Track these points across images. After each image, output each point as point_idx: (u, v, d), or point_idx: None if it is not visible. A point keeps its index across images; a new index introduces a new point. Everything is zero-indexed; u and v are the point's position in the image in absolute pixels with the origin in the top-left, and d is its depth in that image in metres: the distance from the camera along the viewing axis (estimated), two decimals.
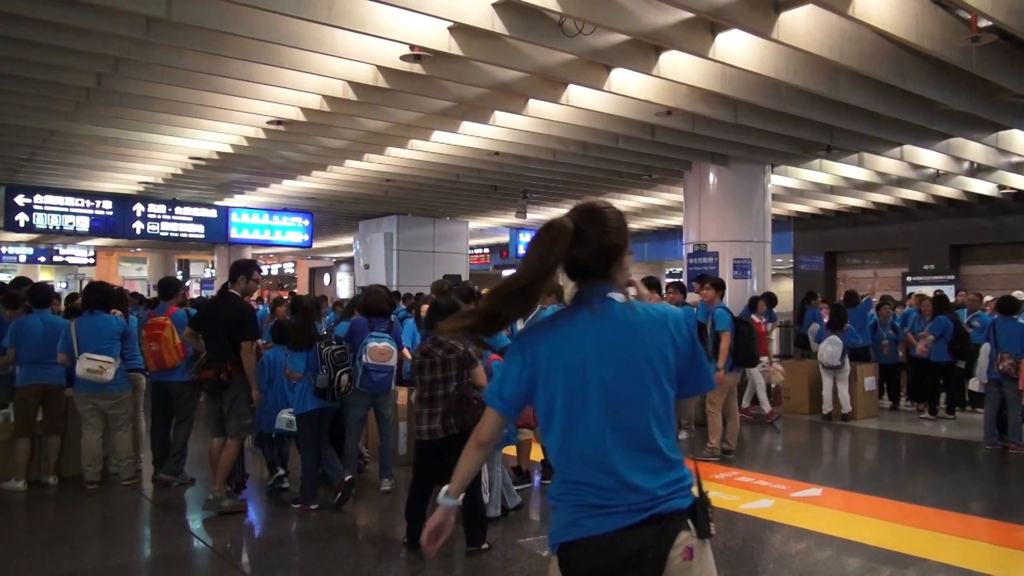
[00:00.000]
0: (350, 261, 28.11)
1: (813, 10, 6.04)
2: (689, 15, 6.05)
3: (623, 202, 16.68)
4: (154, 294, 8.51)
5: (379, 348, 5.79)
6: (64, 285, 32.11)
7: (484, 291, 10.02)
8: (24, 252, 26.89)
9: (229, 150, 11.03)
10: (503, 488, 5.45)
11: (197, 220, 14.60)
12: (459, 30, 6.26)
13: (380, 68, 7.25)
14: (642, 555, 1.82)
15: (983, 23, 6.09)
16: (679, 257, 13.02)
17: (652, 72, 6.99)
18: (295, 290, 29.72)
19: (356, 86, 7.81)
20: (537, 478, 6.46)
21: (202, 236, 14.92)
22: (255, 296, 7.64)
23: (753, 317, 9.32)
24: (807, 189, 14.59)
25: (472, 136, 10.00)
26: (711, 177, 11.77)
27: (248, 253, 21.35)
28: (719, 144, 10.36)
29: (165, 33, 6.31)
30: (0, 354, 6.63)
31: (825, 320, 10.13)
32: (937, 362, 9.89)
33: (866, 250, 18.90)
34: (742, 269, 11.58)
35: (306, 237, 16.43)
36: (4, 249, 26.76)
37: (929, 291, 12.56)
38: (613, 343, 1.91)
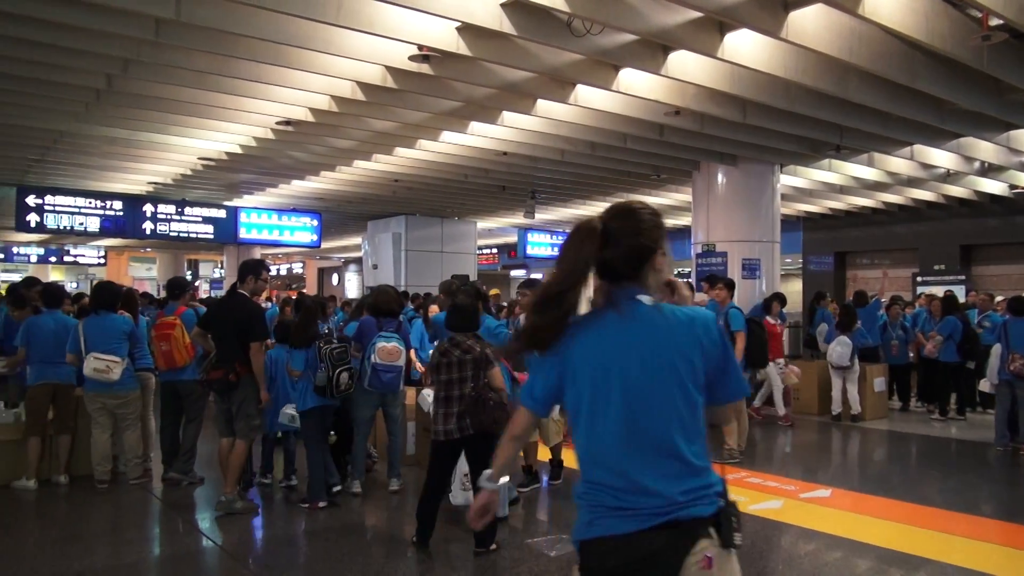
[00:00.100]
0: (358, 261, 28.15)
1: (822, 9, 6.02)
2: (698, 15, 6.03)
3: None
4: (163, 294, 8.55)
5: (388, 348, 5.81)
6: (74, 285, 32.29)
7: (492, 291, 10.02)
8: (35, 252, 27.07)
9: (238, 150, 11.07)
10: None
11: (206, 220, 14.65)
12: (467, 30, 6.27)
13: (388, 68, 7.26)
14: (655, 559, 1.82)
15: (994, 21, 6.04)
16: (688, 257, 12.97)
17: (660, 72, 6.97)
18: (304, 290, 29.79)
19: (364, 86, 7.82)
20: (545, 478, 6.45)
21: (211, 236, 14.98)
22: (264, 296, 7.65)
23: (768, 319, 9.26)
24: (816, 189, 14.53)
25: (480, 136, 10.00)
26: (720, 177, 11.74)
27: (257, 253, 21.44)
28: (728, 144, 10.32)
29: (174, 34, 6.34)
30: (12, 353, 6.68)
31: (835, 320, 10.09)
32: (946, 363, 9.84)
33: (876, 250, 18.80)
34: (751, 269, 11.54)
35: (315, 237, 16.46)
36: (15, 249, 26.94)
37: (940, 291, 12.48)
38: (637, 346, 1.89)
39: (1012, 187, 13.83)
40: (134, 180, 14.12)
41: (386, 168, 12.34)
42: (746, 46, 6.58)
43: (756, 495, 6.11)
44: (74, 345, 6.14)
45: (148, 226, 13.84)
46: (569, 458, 6.89)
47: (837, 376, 9.65)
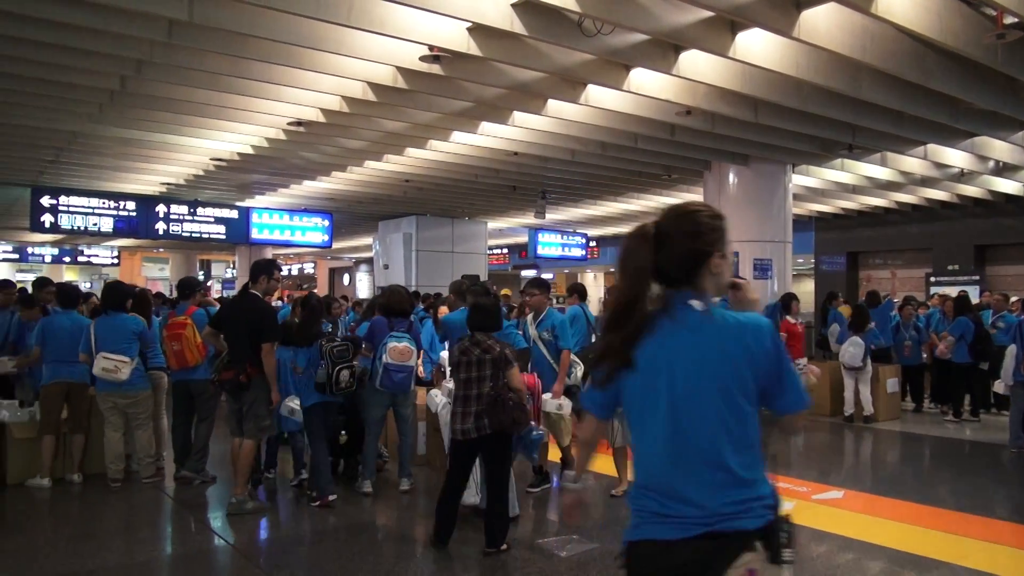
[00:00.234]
0: (369, 261, 28.24)
1: (835, 8, 5.99)
2: (709, 14, 6.01)
3: (642, 202, 16.65)
4: (176, 294, 8.60)
5: (399, 348, 5.82)
6: (88, 285, 32.52)
7: (503, 291, 10.04)
8: (49, 252, 27.27)
9: (250, 151, 11.12)
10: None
11: (218, 221, 14.71)
12: (478, 30, 6.27)
13: (399, 69, 7.27)
14: (695, 569, 1.80)
15: (1009, 20, 6.00)
16: None
17: (672, 72, 6.96)
18: (314, 290, 29.90)
19: (375, 87, 7.84)
20: (556, 478, 6.45)
21: (223, 236, 15.03)
22: (275, 296, 7.69)
23: (788, 318, 9.18)
24: (829, 189, 14.46)
25: (491, 136, 10.00)
26: (731, 177, 11.70)
27: (269, 253, 21.53)
28: (739, 144, 10.29)
29: (187, 35, 6.38)
30: (25, 353, 6.74)
31: (847, 321, 10.03)
32: (959, 363, 9.77)
33: (889, 250, 18.69)
34: (763, 270, 11.50)
35: (326, 237, 16.50)
36: (30, 250, 27.16)
37: (953, 292, 12.40)
38: (683, 354, 1.86)
39: None
40: (147, 181, 14.22)
41: (397, 168, 12.36)
42: (758, 45, 6.55)
43: None
44: (86, 345, 6.19)
45: (161, 226, 13.91)
46: None
47: (849, 377, 9.60)
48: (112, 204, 13.37)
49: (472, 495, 5.20)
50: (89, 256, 27.36)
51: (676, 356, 1.86)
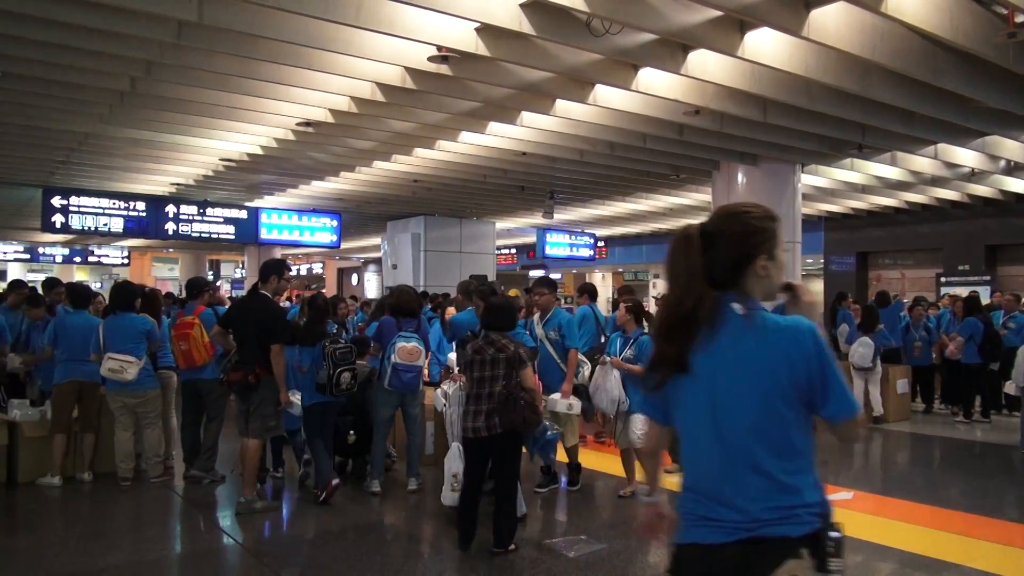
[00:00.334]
0: (378, 261, 28.31)
1: (844, 7, 5.96)
2: (718, 13, 5.99)
3: (650, 202, 16.61)
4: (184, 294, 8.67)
5: (408, 348, 5.84)
6: (99, 285, 32.72)
7: (512, 292, 10.03)
8: (60, 252, 27.44)
9: (259, 152, 11.15)
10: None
11: (228, 221, 14.77)
12: (486, 31, 6.27)
13: (407, 69, 7.28)
14: (733, 574, 1.79)
15: (1020, 18, 5.96)
16: None
17: (680, 71, 6.94)
18: (323, 290, 29.98)
19: (384, 87, 7.85)
20: (564, 479, 6.44)
21: (232, 237, 15.09)
22: (284, 296, 7.71)
23: None
24: (838, 188, 14.39)
25: (499, 136, 10.01)
26: (740, 177, 11.65)
27: (278, 253, 21.59)
28: (748, 143, 10.26)
29: (196, 36, 6.40)
30: (32, 351, 6.79)
31: (856, 321, 9.99)
32: (968, 364, 9.72)
33: (899, 250, 18.60)
34: None
35: (334, 238, 16.55)
36: (41, 250, 27.34)
37: (964, 292, 12.33)
38: (725, 358, 1.84)
39: None
40: (157, 181, 14.29)
41: (405, 168, 12.38)
42: (767, 45, 6.53)
43: None
44: (96, 344, 6.24)
45: (171, 227, 13.98)
46: (589, 460, 6.88)
47: (859, 377, 9.55)
48: (122, 204, 13.45)
49: (449, 496, 5.20)
50: (99, 256, 27.53)
51: (718, 360, 1.84)
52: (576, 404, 5.99)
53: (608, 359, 5.81)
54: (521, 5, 5.81)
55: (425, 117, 9.10)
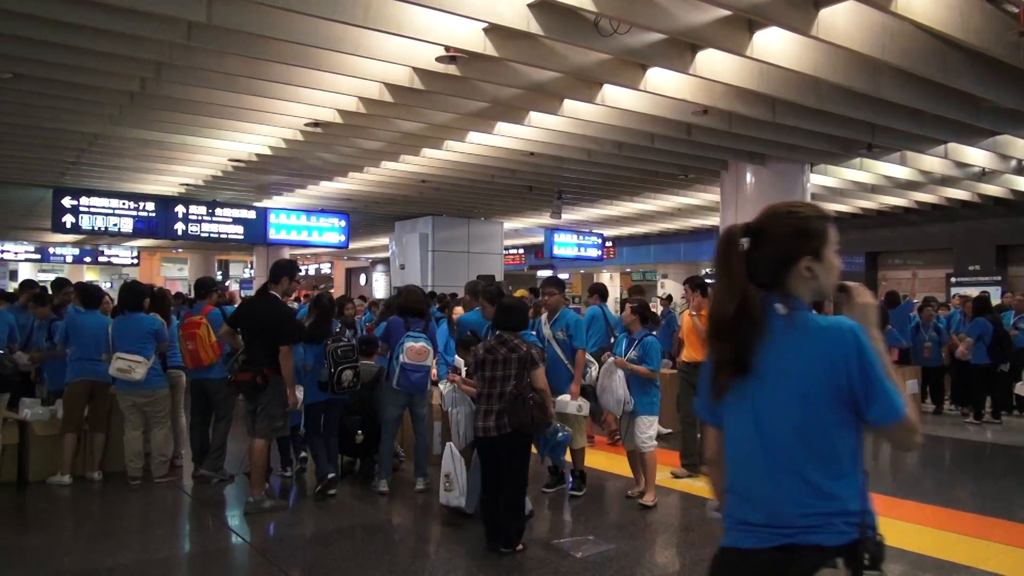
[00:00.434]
0: (386, 262, 28.33)
1: (854, 6, 5.94)
2: (726, 13, 5.98)
3: (658, 202, 16.59)
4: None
5: (416, 348, 5.84)
6: (108, 285, 32.90)
7: (519, 292, 10.01)
8: (70, 253, 27.61)
9: (268, 152, 11.20)
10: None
11: (236, 221, 14.83)
12: (494, 31, 6.28)
13: (416, 70, 7.29)
14: None
15: None
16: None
17: (688, 71, 6.93)
18: (331, 290, 30.04)
19: (392, 88, 7.87)
20: (571, 480, 6.43)
21: (241, 237, 15.16)
22: (292, 297, 7.73)
23: None
24: (848, 188, 14.34)
25: (507, 137, 10.01)
26: (748, 177, 11.62)
27: (286, 253, 21.66)
28: (757, 143, 10.23)
29: (206, 38, 6.43)
30: (38, 348, 6.84)
31: None
32: (978, 365, 9.66)
33: (909, 250, 18.52)
34: None
35: (343, 238, 16.59)
36: (52, 250, 27.51)
37: (975, 292, 12.26)
38: (768, 360, 1.81)
39: None
40: (166, 182, 14.37)
41: (413, 169, 12.40)
42: (776, 44, 6.51)
43: None
44: (106, 344, 6.27)
45: (180, 227, 14.05)
46: (598, 461, 6.87)
47: None
48: (132, 205, 13.53)
49: (456, 497, 5.20)
50: (109, 256, 27.69)
51: (762, 362, 1.81)
52: (585, 406, 5.97)
53: (612, 359, 5.80)
54: (529, 5, 5.81)
55: (433, 117, 9.12)
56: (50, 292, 8.07)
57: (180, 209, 14.06)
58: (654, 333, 6.05)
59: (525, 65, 7.05)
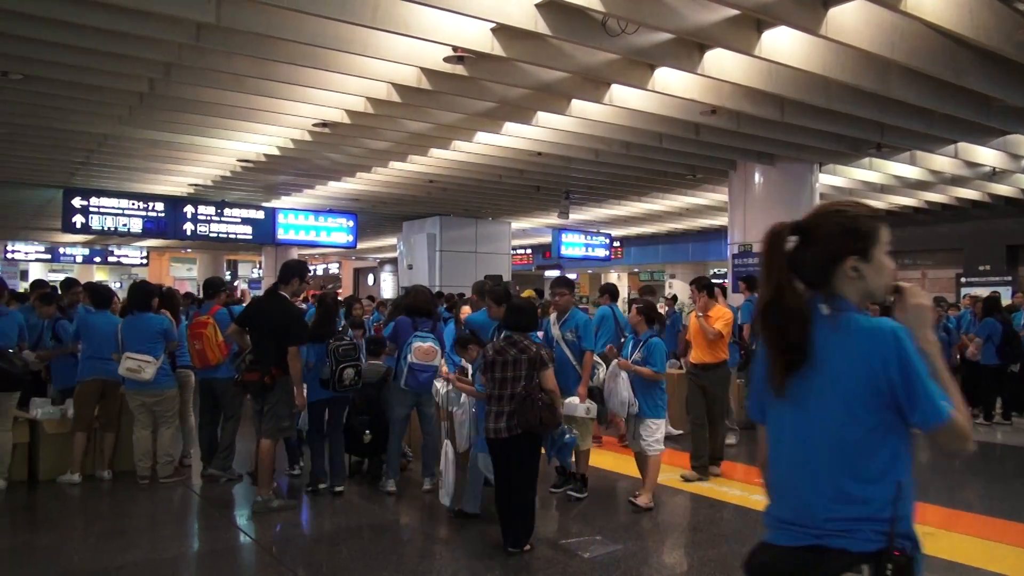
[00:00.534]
0: (394, 262, 28.39)
1: (863, 5, 5.91)
2: (735, 12, 5.97)
3: (666, 202, 16.56)
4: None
5: (424, 348, 5.85)
6: (118, 285, 33.07)
7: (526, 292, 10.01)
8: (80, 253, 27.78)
9: (276, 152, 11.23)
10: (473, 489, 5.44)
11: (245, 221, 14.89)
12: (502, 31, 6.28)
13: (423, 70, 7.30)
14: None
15: None
16: (723, 258, 12.86)
17: (697, 71, 6.92)
18: (339, 290, 30.11)
19: (400, 88, 7.88)
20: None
21: (250, 237, 15.22)
22: (300, 297, 7.76)
23: None
24: (857, 188, 14.28)
25: (515, 137, 10.01)
26: (757, 176, 11.59)
27: (295, 253, 21.72)
28: (765, 143, 10.20)
29: (214, 38, 6.45)
30: (44, 347, 6.88)
31: None
32: (987, 365, 9.60)
33: (918, 250, 18.41)
34: None
35: (351, 238, 16.63)
36: (62, 250, 27.69)
37: (985, 293, 12.19)
38: (811, 360, 1.79)
39: None
40: (175, 182, 14.43)
41: (421, 169, 12.42)
42: (784, 43, 6.49)
43: None
44: (116, 344, 6.30)
45: (189, 227, 14.11)
46: (606, 461, 6.86)
47: None
48: (141, 205, 13.60)
49: (443, 496, 5.21)
50: (119, 256, 27.85)
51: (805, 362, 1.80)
52: (593, 407, 5.96)
53: (616, 361, 5.79)
54: (537, 5, 5.81)
55: (441, 117, 9.12)
56: (56, 291, 8.12)
57: (189, 209, 14.12)
58: (659, 334, 6.03)
59: (533, 65, 7.05)
